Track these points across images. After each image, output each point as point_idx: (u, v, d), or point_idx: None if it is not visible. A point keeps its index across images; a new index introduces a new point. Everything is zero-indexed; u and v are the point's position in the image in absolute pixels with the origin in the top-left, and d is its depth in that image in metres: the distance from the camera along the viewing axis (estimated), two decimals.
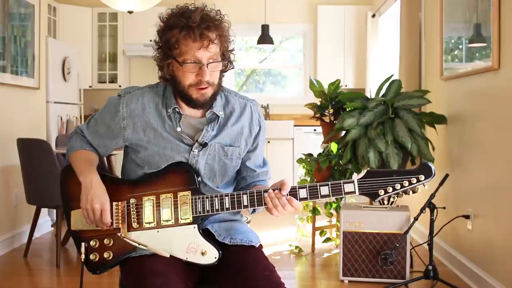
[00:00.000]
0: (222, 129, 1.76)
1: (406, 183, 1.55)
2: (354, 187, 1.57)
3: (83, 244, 1.70)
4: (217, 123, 1.74)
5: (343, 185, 1.58)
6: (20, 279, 3.57)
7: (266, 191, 1.61)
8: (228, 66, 1.73)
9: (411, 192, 1.57)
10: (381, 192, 1.56)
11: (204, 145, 1.72)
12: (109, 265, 1.70)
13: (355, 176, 3.95)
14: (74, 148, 1.81)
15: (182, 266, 1.64)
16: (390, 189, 1.56)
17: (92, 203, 1.64)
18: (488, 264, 3.10)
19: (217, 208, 1.63)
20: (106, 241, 1.68)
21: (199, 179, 1.72)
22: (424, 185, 1.57)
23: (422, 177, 1.55)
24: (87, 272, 1.73)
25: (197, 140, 1.72)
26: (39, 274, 3.72)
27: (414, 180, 1.55)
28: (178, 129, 1.71)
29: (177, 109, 1.72)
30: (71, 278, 3.56)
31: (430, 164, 1.57)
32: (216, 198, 1.64)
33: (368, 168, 3.45)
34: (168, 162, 1.71)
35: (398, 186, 1.55)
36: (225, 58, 1.70)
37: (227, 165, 1.77)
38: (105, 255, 1.68)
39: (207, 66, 1.63)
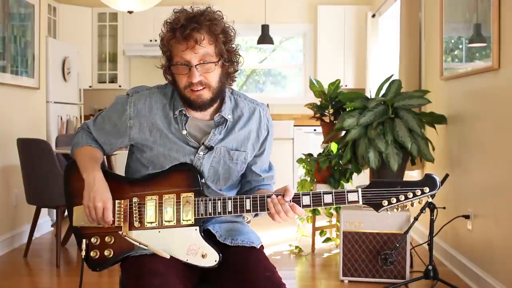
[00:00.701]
0: (230, 133, 1.74)
1: (410, 195, 1.56)
2: (358, 196, 1.58)
3: (84, 240, 1.69)
4: (224, 126, 1.73)
5: (347, 194, 1.58)
6: (20, 279, 3.57)
7: (269, 196, 1.60)
8: (230, 66, 1.70)
9: (415, 203, 1.58)
10: (385, 202, 1.56)
11: (210, 148, 1.71)
12: (109, 263, 1.69)
13: (355, 176, 3.99)
14: (79, 144, 1.80)
15: (182, 266, 1.64)
16: (394, 200, 1.56)
17: (94, 201, 1.63)
18: (488, 264, 3.10)
19: (219, 211, 1.63)
20: (107, 238, 1.68)
21: (203, 181, 1.72)
22: (428, 197, 1.57)
23: (426, 189, 1.56)
24: (87, 271, 1.72)
25: (203, 143, 1.71)
26: (39, 274, 3.72)
27: (418, 192, 1.56)
28: (184, 132, 1.70)
29: (183, 112, 1.71)
30: (71, 278, 3.56)
31: (434, 176, 1.57)
32: (219, 201, 1.63)
33: (367, 169, 3.46)
34: (172, 164, 1.70)
35: (402, 197, 1.56)
36: (222, 58, 1.66)
37: (231, 169, 1.76)
38: (106, 252, 1.68)
39: (196, 68, 1.60)
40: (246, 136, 1.77)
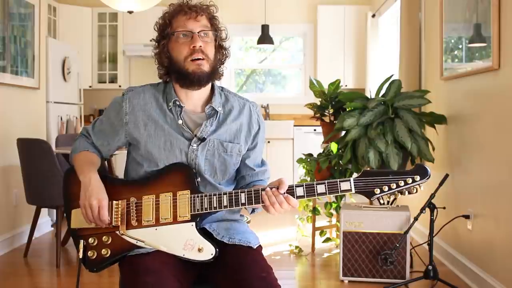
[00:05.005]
0: (221, 125, 1.79)
1: (401, 183, 1.58)
2: (350, 185, 1.59)
3: (81, 241, 1.72)
4: (215, 118, 1.78)
5: (340, 183, 1.60)
6: (20, 279, 3.57)
7: (263, 189, 1.63)
8: (220, 53, 1.79)
9: (407, 192, 1.60)
10: (377, 190, 1.58)
11: (202, 139, 1.74)
12: (106, 263, 1.71)
13: (355, 176, 3.98)
14: (77, 150, 1.85)
15: (178, 265, 1.66)
16: (386, 188, 1.58)
17: (89, 200, 1.67)
18: (488, 264, 3.10)
19: (215, 206, 1.65)
20: (104, 238, 1.70)
21: (199, 179, 1.74)
22: (419, 186, 1.59)
23: (417, 177, 1.58)
24: (87, 272, 1.73)
25: (195, 135, 1.75)
26: (39, 274, 3.72)
27: (409, 181, 1.58)
28: (180, 121, 1.75)
29: (177, 102, 1.76)
30: (71, 278, 3.56)
31: (425, 165, 1.60)
32: (215, 197, 1.65)
33: (368, 168, 3.46)
34: (167, 158, 1.74)
35: (394, 185, 1.58)
36: (216, 40, 1.76)
37: (227, 161, 1.79)
38: (103, 252, 1.70)
39: (198, 34, 1.71)
40: (238, 129, 1.81)
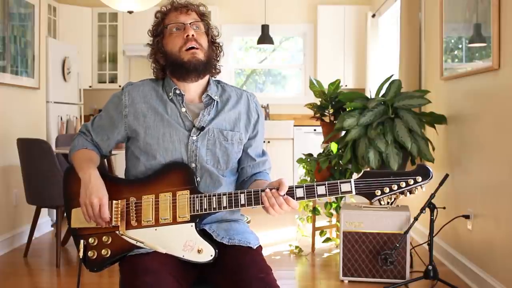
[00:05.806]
0: (219, 113, 1.80)
1: (403, 184, 1.56)
2: (351, 186, 1.58)
3: (81, 241, 1.71)
4: (213, 107, 1.79)
5: (340, 185, 1.59)
6: (20, 279, 3.57)
7: (263, 190, 1.62)
8: (213, 48, 1.82)
9: (408, 193, 1.57)
10: (378, 192, 1.57)
11: (201, 129, 1.75)
12: (106, 263, 1.71)
13: (355, 177, 3.97)
14: (76, 148, 1.85)
15: (177, 265, 1.65)
16: (387, 190, 1.56)
17: (90, 197, 1.66)
18: (488, 264, 3.10)
19: (214, 206, 1.65)
20: (104, 238, 1.70)
21: (198, 179, 1.74)
22: (421, 187, 1.57)
23: (419, 178, 1.56)
24: (88, 272, 1.73)
25: (194, 125, 1.75)
26: (39, 274, 3.72)
27: (411, 181, 1.56)
28: (183, 109, 1.77)
29: (177, 91, 1.77)
30: (71, 278, 3.56)
31: (427, 166, 1.57)
32: (214, 197, 1.65)
33: (368, 169, 3.47)
34: (165, 150, 1.73)
35: (395, 186, 1.56)
36: (208, 35, 1.81)
37: (228, 150, 1.79)
38: (103, 252, 1.70)
39: (190, 25, 1.75)
40: (237, 117, 1.82)
